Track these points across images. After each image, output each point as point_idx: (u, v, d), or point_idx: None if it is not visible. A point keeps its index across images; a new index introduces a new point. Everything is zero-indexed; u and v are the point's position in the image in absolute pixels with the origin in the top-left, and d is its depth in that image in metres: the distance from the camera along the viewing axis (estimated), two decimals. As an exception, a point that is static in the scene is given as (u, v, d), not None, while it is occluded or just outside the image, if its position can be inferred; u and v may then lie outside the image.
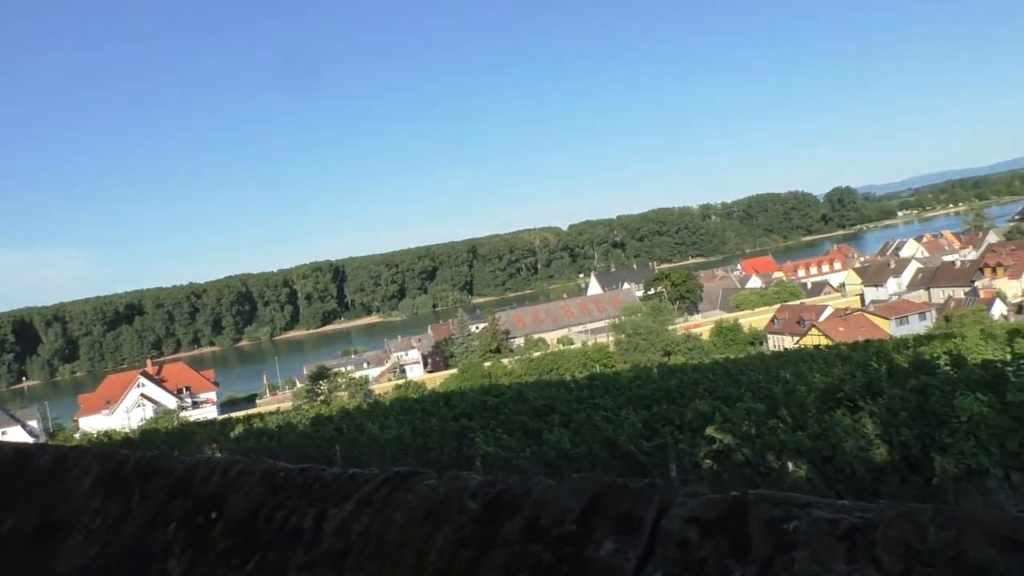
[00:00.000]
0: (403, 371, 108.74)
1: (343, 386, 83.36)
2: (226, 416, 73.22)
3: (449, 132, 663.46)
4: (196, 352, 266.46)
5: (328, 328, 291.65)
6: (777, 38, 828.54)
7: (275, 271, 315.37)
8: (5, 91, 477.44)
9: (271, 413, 40.20)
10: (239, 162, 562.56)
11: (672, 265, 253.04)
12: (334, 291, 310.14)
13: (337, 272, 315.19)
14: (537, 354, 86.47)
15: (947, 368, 13.36)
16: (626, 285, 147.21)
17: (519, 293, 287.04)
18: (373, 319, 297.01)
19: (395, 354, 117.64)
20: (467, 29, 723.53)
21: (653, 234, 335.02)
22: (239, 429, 24.78)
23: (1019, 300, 79.76)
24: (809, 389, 12.21)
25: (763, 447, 8.79)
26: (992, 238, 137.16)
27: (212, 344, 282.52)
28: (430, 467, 15.58)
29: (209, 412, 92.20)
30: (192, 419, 70.13)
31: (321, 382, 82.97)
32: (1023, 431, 7.70)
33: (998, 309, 77.15)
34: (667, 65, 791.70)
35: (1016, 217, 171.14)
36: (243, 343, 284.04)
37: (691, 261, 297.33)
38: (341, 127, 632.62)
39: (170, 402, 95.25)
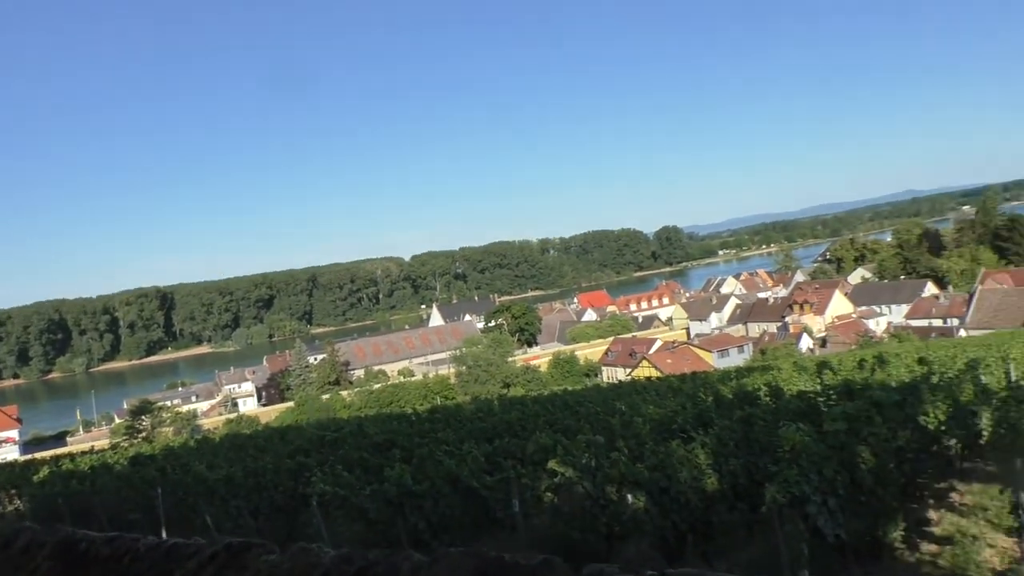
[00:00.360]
0: (235, 405, 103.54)
1: (168, 421, 78.16)
2: (30, 457, 66.50)
3: (288, 158, 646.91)
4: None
5: (153, 359, 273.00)
6: (614, 87, 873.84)
7: (94, 297, 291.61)
8: None
9: (84, 453, 36.91)
10: (50, 175, 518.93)
11: (512, 297, 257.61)
12: (161, 319, 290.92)
13: (165, 299, 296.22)
14: (377, 386, 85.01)
15: (767, 399, 14.21)
16: (468, 317, 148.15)
17: (360, 324, 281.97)
18: (204, 349, 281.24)
19: (227, 387, 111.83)
20: (316, 59, 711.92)
21: (494, 267, 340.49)
22: (44, 472, 22.44)
23: (823, 335, 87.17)
24: (645, 421, 12.61)
25: (604, 480, 8.93)
26: (799, 277, 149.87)
27: (16, 376, 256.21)
28: (263, 508, 14.70)
29: (10, 452, 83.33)
30: (-11, 461, 63.12)
31: (143, 417, 77.29)
32: (837, 458, 8.27)
33: (805, 343, 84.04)
34: (510, 107, 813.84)
35: (819, 258, 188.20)
36: (54, 375, 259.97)
37: (530, 294, 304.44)
38: (172, 145, 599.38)
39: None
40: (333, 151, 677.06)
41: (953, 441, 11.55)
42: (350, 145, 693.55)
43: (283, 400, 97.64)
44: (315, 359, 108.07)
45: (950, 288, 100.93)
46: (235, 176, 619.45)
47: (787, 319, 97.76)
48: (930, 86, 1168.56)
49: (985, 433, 12.54)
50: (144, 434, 72.78)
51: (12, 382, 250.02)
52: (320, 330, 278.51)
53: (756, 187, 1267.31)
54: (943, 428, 10.88)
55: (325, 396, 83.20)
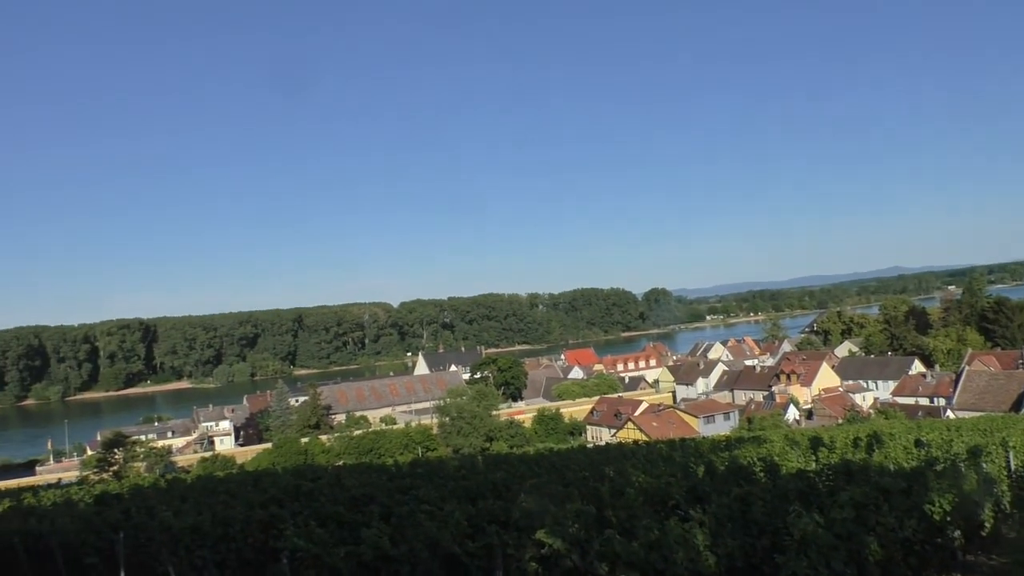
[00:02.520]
0: (212, 443, 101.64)
1: (141, 456, 76.50)
2: (-6, 485, 64.66)
3: (278, 198, 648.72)
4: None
5: (131, 391, 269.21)
6: (607, 152, 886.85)
7: (75, 325, 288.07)
8: None
9: (50, 485, 35.78)
10: (33, 202, 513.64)
11: (499, 350, 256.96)
12: (142, 351, 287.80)
13: (147, 331, 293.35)
14: (358, 432, 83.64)
15: (763, 475, 13.73)
16: (453, 367, 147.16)
17: (344, 367, 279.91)
18: (184, 384, 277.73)
19: (205, 424, 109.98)
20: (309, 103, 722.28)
21: (482, 318, 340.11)
22: (3, 506, 21.52)
23: (809, 406, 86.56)
24: (637, 492, 12.08)
25: (595, 555, 8.40)
26: (786, 347, 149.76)
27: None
28: (229, 561, 13.95)
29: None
30: (-48, 487, 61.40)
31: (116, 450, 75.59)
32: (845, 549, 7.79)
33: (792, 413, 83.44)
34: (506, 163, 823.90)
35: (807, 329, 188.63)
36: (29, 402, 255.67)
37: (517, 348, 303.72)
38: (162, 178, 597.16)
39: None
40: (323, 194, 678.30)
41: (956, 532, 11.07)
42: (338, 189, 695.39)
43: (261, 441, 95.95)
44: (296, 401, 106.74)
45: (936, 367, 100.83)
46: (223, 211, 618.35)
47: (774, 388, 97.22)
48: (921, 167, 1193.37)
49: (987, 525, 12.08)
50: (115, 468, 71.07)
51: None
52: (303, 372, 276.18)
53: (745, 255, 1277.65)
54: (948, 519, 10.42)
55: (304, 439, 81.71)
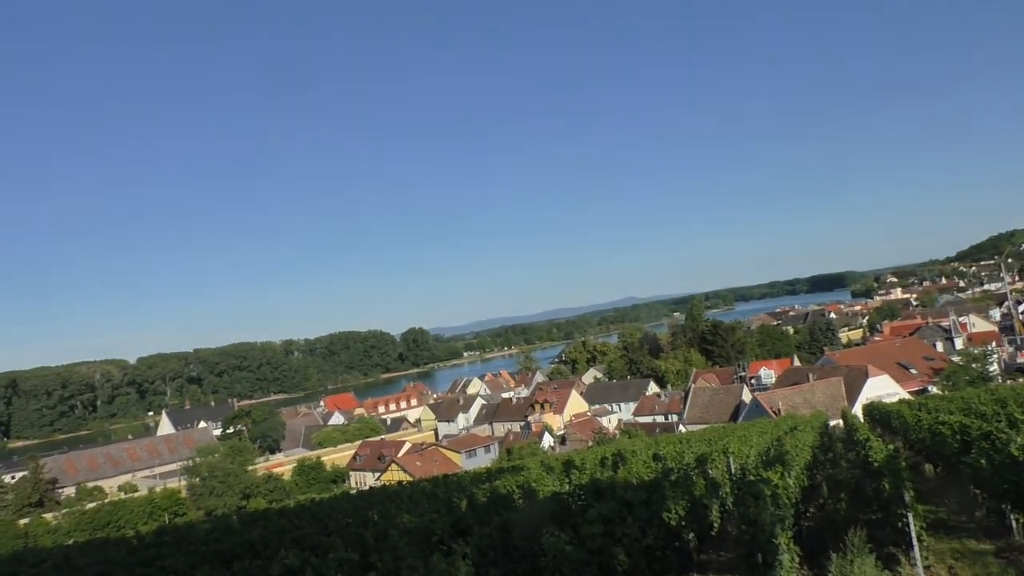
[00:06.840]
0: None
1: None
2: None
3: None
4: None
5: None
6: (348, 189, 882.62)
7: None
8: None
9: None
10: None
11: (253, 401, 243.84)
12: None
13: None
14: (91, 505, 74.91)
15: (521, 501, 14.27)
16: (202, 423, 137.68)
17: (73, 435, 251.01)
18: None
19: None
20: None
21: (233, 369, 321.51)
22: None
23: (563, 432, 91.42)
24: (401, 532, 12.04)
25: (360, 603, 8.26)
26: (539, 377, 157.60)
27: None
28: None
29: None
30: None
31: None
32: (596, 563, 8.33)
33: (547, 441, 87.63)
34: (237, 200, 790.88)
35: (556, 360, 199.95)
36: None
37: (273, 397, 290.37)
38: None
39: None
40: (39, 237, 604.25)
41: (691, 535, 12.22)
42: (62, 235, 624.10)
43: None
44: (12, 477, 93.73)
45: (668, 387, 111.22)
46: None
47: (530, 418, 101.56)
48: (642, 206, 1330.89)
49: (716, 525, 13.50)
50: None
51: None
52: (20, 444, 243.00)
53: (496, 292, 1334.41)
54: (683, 523, 11.49)
55: (23, 521, 71.66)
